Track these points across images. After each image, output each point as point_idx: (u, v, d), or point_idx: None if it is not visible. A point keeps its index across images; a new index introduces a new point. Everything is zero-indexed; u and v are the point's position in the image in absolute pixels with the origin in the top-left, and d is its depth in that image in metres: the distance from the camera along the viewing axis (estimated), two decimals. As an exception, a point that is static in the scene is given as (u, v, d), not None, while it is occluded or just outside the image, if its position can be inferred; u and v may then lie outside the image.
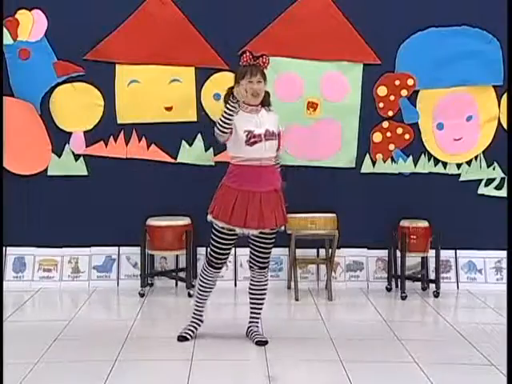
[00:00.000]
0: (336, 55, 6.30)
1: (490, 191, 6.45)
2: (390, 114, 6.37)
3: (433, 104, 6.37)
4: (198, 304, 4.81)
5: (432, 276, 6.29)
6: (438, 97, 6.35)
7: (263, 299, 4.82)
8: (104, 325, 5.24)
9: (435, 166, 6.43)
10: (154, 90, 6.30)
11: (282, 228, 4.74)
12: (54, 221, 6.33)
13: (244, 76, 4.53)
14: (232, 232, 4.57)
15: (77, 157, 6.37)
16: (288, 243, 6.05)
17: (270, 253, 4.73)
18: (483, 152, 6.43)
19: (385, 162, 6.42)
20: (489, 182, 6.45)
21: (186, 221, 6.12)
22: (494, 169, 6.43)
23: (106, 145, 6.35)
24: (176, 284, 6.41)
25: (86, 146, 6.35)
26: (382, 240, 6.32)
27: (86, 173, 6.37)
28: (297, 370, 4.33)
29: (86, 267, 6.40)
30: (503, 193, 6.38)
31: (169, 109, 6.33)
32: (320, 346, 4.71)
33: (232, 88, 4.53)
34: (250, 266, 4.77)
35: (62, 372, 4.22)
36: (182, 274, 6.27)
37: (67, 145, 6.35)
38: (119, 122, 6.34)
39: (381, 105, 6.36)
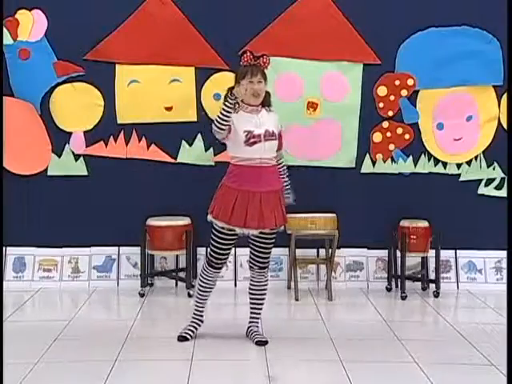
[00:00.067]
0: (336, 55, 6.30)
1: (490, 191, 6.46)
2: (390, 113, 6.37)
3: (433, 104, 6.37)
4: (198, 304, 4.81)
5: (432, 276, 6.29)
6: (438, 97, 6.35)
7: (263, 299, 4.82)
8: (104, 325, 5.24)
9: (435, 165, 6.43)
10: (154, 90, 6.30)
11: (282, 228, 4.74)
12: (54, 221, 6.33)
13: (244, 76, 4.52)
14: (232, 232, 4.57)
15: (77, 157, 6.37)
16: (288, 243, 6.05)
17: (270, 253, 4.73)
18: (483, 152, 6.43)
19: (385, 161, 6.42)
20: (489, 181, 6.45)
21: (185, 221, 6.12)
22: (494, 169, 6.43)
23: (106, 145, 6.35)
24: (176, 284, 6.41)
25: (86, 146, 6.35)
26: (382, 240, 6.32)
27: (86, 173, 6.37)
28: (297, 370, 4.33)
29: (85, 267, 6.40)
30: (503, 193, 6.38)
31: (169, 109, 6.33)
32: (320, 346, 4.71)
33: (232, 88, 4.54)
34: (250, 266, 4.77)
35: (62, 372, 4.22)
36: (182, 274, 6.27)
37: (67, 145, 6.35)
38: (119, 122, 6.34)
39: (381, 105, 6.36)
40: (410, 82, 6.31)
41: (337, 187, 6.34)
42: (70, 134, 6.35)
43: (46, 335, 4.84)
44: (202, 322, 4.85)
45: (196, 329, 4.83)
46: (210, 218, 4.61)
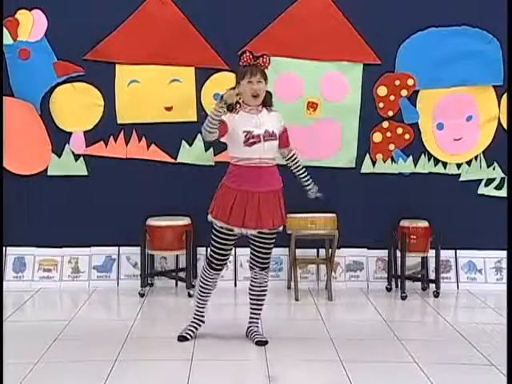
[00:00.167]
0: (336, 55, 6.30)
1: (490, 191, 6.46)
2: (390, 114, 6.37)
3: (433, 104, 6.37)
4: (199, 305, 4.81)
5: (432, 276, 6.29)
6: (438, 97, 6.35)
7: (263, 300, 4.82)
8: (104, 325, 5.24)
9: (435, 165, 6.43)
10: (154, 90, 6.30)
11: (281, 228, 4.72)
12: (54, 221, 6.33)
13: (244, 76, 4.52)
14: (231, 232, 4.57)
15: (77, 157, 6.37)
16: (288, 243, 6.05)
17: (270, 253, 4.73)
18: (483, 152, 6.43)
19: (385, 162, 6.42)
20: (489, 181, 6.45)
21: (185, 221, 6.12)
22: (494, 169, 6.43)
23: (106, 145, 6.35)
24: (176, 284, 6.41)
25: (86, 146, 6.36)
26: (382, 240, 6.32)
27: (86, 173, 6.37)
28: (297, 370, 4.33)
29: (85, 267, 6.40)
30: (503, 193, 6.38)
31: (169, 109, 6.34)
32: (320, 346, 4.71)
33: (233, 89, 4.54)
34: (251, 267, 4.77)
35: (62, 372, 4.22)
36: (182, 274, 6.27)
37: (67, 145, 6.35)
38: (119, 122, 6.34)
39: (381, 105, 6.36)
40: (410, 82, 6.31)
41: (337, 187, 6.33)
42: (70, 134, 6.35)
43: (46, 335, 4.84)
44: (202, 322, 4.85)
45: (196, 329, 4.83)
46: (209, 217, 4.61)
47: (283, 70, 6.21)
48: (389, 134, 6.39)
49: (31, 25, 6.24)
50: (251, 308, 4.85)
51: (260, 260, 4.70)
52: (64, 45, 6.20)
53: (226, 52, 6.16)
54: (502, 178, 6.41)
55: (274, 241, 4.70)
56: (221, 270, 4.72)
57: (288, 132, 4.76)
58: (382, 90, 6.34)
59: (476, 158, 6.43)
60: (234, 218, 4.51)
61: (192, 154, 6.34)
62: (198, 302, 4.81)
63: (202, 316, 4.84)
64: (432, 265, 6.28)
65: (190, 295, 5.97)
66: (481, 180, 6.45)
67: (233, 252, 4.79)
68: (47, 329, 5.02)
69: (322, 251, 6.36)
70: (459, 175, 6.45)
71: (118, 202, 6.29)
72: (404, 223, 6.18)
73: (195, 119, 6.28)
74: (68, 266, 6.40)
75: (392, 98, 6.34)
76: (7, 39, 6.21)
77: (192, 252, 6.17)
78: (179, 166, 6.36)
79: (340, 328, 5.17)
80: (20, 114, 6.26)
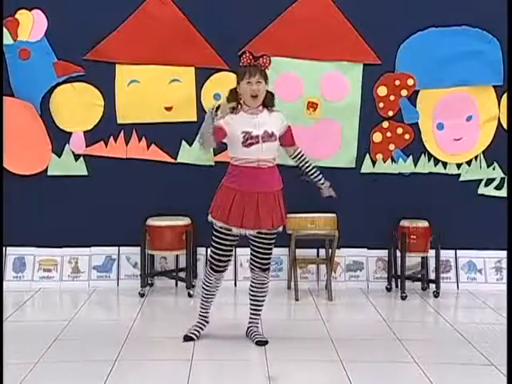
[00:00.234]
0: (336, 55, 6.30)
1: (489, 191, 6.46)
2: (390, 113, 6.37)
3: (433, 104, 6.37)
4: (203, 306, 4.82)
5: (432, 276, 6.29)
6: (437, 97, 6.36)
7: (263, 301, 4.82)
8: (104, 325, 5.24)
9: (435, 166, 6.43)
10: (154, 90, 6.30)
11: (280, 229, 4.71)
12: (54, 221, 6.33)
13: (243, 77, 4.51)
14: (230, 232, 4.57)
15: (77, 157, 6.37)
16: (288, 243, 6.05)
17: (270, 254, 4.72)
18: (483, 152, 6.43)
19: (385, 162, 6.42)
20: (489, 182, 6.45)
21: (185, 221, 6.12)
22: (494, 169, 6.43)
23: (106, 145, 6.35)
24: (176, 284, 6.41)
25: (86, 146, 6.36)
26: (382, 240, 6.32)
27: (86, 173, 6.37)
28: (297, 370, 4.33)
29: (86, 267, 6.40)
30: (503, 193, 6.38)
31: (169, 109, 6.34)
32: (320, 346, 4.71)
33: (233, 90, 4.54)
34: (251, 268, 4.76)
35: (62, 372, 4.22)
36: (182, 274, 6.27)
37: (67, 145, 6.35)
38: (119, 121, 6.34)
39: (381, 105, 6.36)
40: (410, 81, 6.31)
41: (337, 187, 6.31)
42: (69, 134, 6.35)
43: (46, 335, 4.84)
44: (207, 322, 4.85)
45: (202, 329, 4.82)
46: (210, 218, 4.61)
47: (283, 69, 6.21)
48: (389, 134, 6.39)
49: (31, 25, 6.24)
50: (251, 309, 4.85)
51: (260, 261, 4.70)
52: (64, 45, 6.20)
53: (226, 52, 6.16)
54: (502, 178, 6.41)
55: (273, 241, 4.69)
56: (222, 271, 4.71)
57: (292, 131, 4.75)
58: (382, 90, 6.34)
59: (476, 158, 6.43)
60: (232, 218, 4.51)
61: (192, 154, 6.34)
62: (202, 304, 4.81)
63: (207, 317, 4.84)
64: (432, 265, 6.28)
65: (189, 295, 5.97)
66: (481, 180, 6.45)
67: (233, 252, 4.77)
68: (47, 329, 5.02)
69: (322, 251, 6.36)
70: (459, 175, 6.45)
71: (118, 202, 6.29)
72: (404, 223, 6.18)
73: (195, 119, 6.28)
74: (68, 265, 6.40)
75: (392, 97, 6.34)
76: (7, 39, 6.21)
77: (192, 252, 6.16)
78: (179, 166, 6.36)
79: (340, 328, 5.17)
80: (20, 114, 6.26)
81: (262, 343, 4.69)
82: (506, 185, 6.35)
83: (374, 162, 6.42)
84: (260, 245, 4.66)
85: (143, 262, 6.14)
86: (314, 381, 4.21)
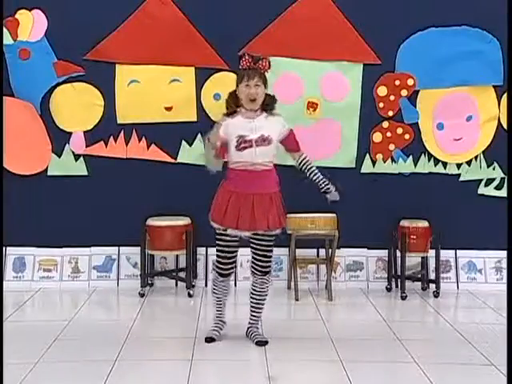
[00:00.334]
0: (336, 55, 6.30)
1: (489, 191, 6.46)
2: (390, 113, 6.37)
3: (433, 104, 6.37)
4: (217, 308, 4.84)
5: (432, 276, 6.29)
6: (437, 97, 6.36)
7: (263, 304, 4.82)
8: (104, 325, 5.24)
9: (435, 166, 6.43)
10: (153, 90, 6.30)
11: (278, 231, 4.66)
12: (54, 221, 6.33)
13: (242, 80, 4.50)
14: (228, 233, 4.57)
15: (77, 157, 6.37)
16: (288, 243, 6.05)
17: (270, 257, 4.70)
18: (483, 152, 6.43)
19: (385, 162, 6.42)
20: (489, 182, 6.45)
21: (185, 221, 6.12)
22: (494, 169, 6.43)
23: (106, 145, 6.35)
24: (176, 284, 6.41)
25: (86, 146, 6.36)
26: (382, 240, 6.32)
27: (86, 173, 6.37)
28: (297, 370, 4.33)
29: (86, 267, 6.40)
30: (503, 193, 6.38)
31: (169, 109, 6.34)
32: (320, 346, 4.71)
33: (233, 92, 4.54)
34: (252, 272, 4.75)
35: (62, 372, 4.22)
36: (182, 274, 6.26)
37: (67, 145, 6.35)
38: (119, 122, 6.34)
39: (381, 105, 6.36)
40: (410, 81, 6.31)
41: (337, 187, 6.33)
42: (69, 134, 6.35)
43: (46, 335, 4.84)
44: (224, 322, 4.87)
45: (221, 329, 4.84)
46: (210, 220, 4.62)
47: (283, 70, 6.21)
48: (389, 134, 6.39)
49: (31, 25, 6.24)
50: (251, 311, 4.84)
51: (260, 263, 4.68)
52: (64, 45, 6.20)
53: (226, 52, 6.16)
54: (502, 178, 6.41)
55: (271, 243, 4.66)
56: (228, 275, 4.71)
57: (295, 135, 4.70)
58: (381, 90, 6.34)
59: (476, 158, 6.43)
60: (228, 219, 4.51)
61: (192, 153, 6.34)
62: (216, 306, 4.84)
63: (222, 317, 4.86)
64: (432, 265, 6.28)
65: (189, 295, 5.98)
66: (481, 180, 6.45)
67: (236, 256, 4.76)
68: (47, 329, 5.02)
69: (322, 251, 6.36)
70: (459, 175, 6.45)
71: (118, 201, 6.29)
72: (404, 223, 6.18)
73: (195, 119, 6.29)
74: (68, 265, 6.40)
75: (392, 97, 6.34)
76: (7, 39, 6.21)
77: (192, 252, 6.16)
78: (179, 166, 6.36)
79: (340, 328, 5.17)
80: (20, 114, 6.26)
81: (262, 343, 4.69)
82: (506, 185, 6.35)
83: (373, 162, 6.42)
84: (258, 247, 4.65)
85: (143, 261, 6.14)
86: (314, 381, 4.21)
